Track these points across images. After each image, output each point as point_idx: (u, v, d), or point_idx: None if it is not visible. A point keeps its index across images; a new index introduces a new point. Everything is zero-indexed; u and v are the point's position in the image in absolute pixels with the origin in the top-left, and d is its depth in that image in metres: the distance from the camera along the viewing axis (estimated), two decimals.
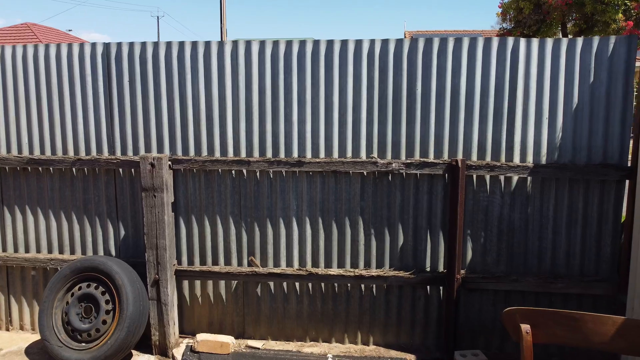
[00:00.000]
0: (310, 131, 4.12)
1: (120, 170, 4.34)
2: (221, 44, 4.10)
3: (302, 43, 4.04)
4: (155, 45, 4.15)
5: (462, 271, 4.11)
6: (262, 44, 4.07)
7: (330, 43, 4.02)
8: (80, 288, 4.16)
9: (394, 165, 4.02)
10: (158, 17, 73.32)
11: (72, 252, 4.51)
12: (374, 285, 4.25)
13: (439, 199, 4.10)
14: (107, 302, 4.08)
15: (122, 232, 4.42)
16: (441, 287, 4.21)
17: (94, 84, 4.27)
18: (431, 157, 4.05)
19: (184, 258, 4.39)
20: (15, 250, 4.56)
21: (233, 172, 4.22)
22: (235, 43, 4.09)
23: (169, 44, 4.14)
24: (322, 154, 4.13)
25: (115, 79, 4.23)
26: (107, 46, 4.22)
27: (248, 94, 4.13)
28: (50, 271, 4.51)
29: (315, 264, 4.28)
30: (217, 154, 4.22)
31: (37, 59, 4.30)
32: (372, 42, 3.99)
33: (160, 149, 4.27)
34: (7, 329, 4.68)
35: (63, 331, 4.10)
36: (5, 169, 4.46)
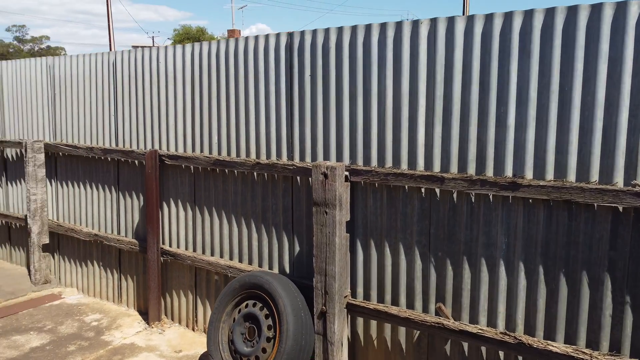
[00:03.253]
0: (532, 140, 2.87)
1: (298, 178, 3.80)
2: (415, 24, 3.15)
3: (528, 14, 2.80)
4: (339, 31, 3.45)
5: None
6: (470, 19, 2.98)
7: (572, 11, 2.69)
8: (247, 305, 3.77)
9: None
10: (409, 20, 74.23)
11: (250, 262, 4.19)
12: None
13: None
14: (269, 327, 3.59)
15: (297, 248, 3.89)
16: None
17: (277, 80, 3.81)
18: None
19: (359, 289, 3.61)
20: (203, 252, 4.47)
21: (422, 190, 3.25)
22: (433, 22, 3.10)
23: (354, 29, 3.39)
24: (549, 175, 2.84)
25: (297, 73, 3.69)
26: (290, 36, 3.70)
27: (447, 89, 3.10)
28: (230, 279, 4.27)
29: (529, 329, 3.01)
30: (404, 166, 3.30)
31: (227, 55, 4.05)
32: None
33: (339, 156, 3.57)
34: (193, 329, 4.65)
35: (227, 349, 3.77)
36: (199, 169, 4.38)
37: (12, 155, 6.04)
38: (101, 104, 5.02)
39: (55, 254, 5.74)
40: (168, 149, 4.55)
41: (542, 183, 2.80)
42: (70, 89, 5.28)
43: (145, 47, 4.65)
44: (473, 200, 3.08)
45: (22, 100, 5.76)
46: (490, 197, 3.02)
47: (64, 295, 5.44)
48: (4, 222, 6.28)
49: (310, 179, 3.69)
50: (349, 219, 3.50)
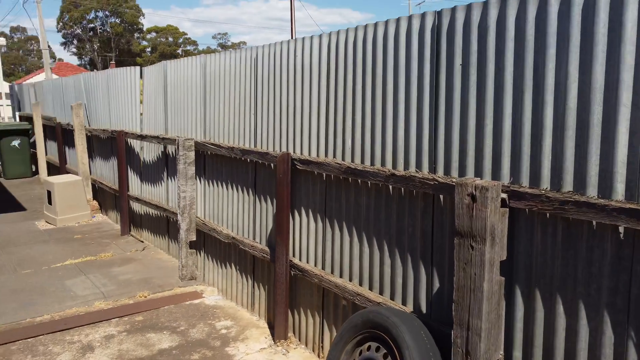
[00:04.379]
0: None
1: (441, 196, 2.99)
2: None
3: None
4: (502, 3, 2.54)
5: None
6: None
7: None
8: (369, 348, 3.10)
9: None
10: None
11: (380, 291, 3.50)
12: None
13: None
14: None
15: (436, 284, 3.08)
16: None
17: (420, 71, 3.04)
18: None
19: (517, 353, 2.67)
20: (331, 271, 3.92)
21: (620, 229, 2.20)
22: None
23: None
24: None
25: (445, 62, 2.87)
26: (438, 16, 2.89)
27: None
28: (358, 307, 3.63)
29: None
30: (592, 191, 2.28)
31: (365, 43, 3.40)
32: None
33: (495, 172, 2.67)
34: (319, 355, 4.13)
35: None
36: (331, 176, 3.82)
37: (172, 152, 6.25)
38: (243, 101, 4.79)
39: (201, 252, 5.77)
40: (301, 152, 4.09)
41: None
42: (217, 86, 5.18)
43: (284, 40, 4.25)
44: None
45: (181, 98, 5.90)
46: None
47: (204, 294, 5.41)
48: (163, 214, 6.57)
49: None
50: (504, 258, 2.58)
